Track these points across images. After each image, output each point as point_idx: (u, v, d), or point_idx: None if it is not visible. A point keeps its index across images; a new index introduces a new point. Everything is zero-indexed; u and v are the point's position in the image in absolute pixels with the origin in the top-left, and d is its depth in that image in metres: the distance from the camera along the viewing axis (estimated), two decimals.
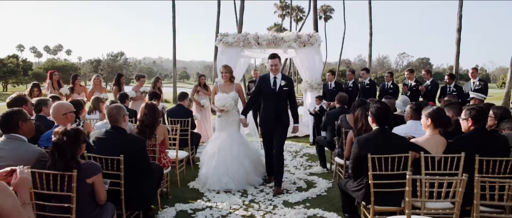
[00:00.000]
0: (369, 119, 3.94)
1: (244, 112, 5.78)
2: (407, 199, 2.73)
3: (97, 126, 5.25)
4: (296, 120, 5.85)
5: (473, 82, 8.82)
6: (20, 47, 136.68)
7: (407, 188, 2.70)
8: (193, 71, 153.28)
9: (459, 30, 25.23)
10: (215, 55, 27.86)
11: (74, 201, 2.90)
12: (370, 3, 32.76)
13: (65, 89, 9.19)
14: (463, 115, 3.77)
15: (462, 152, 3.54)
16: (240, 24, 27.19)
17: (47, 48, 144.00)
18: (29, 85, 8.73)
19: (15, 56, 67.20)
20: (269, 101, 5.61)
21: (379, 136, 3.80)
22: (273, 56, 5.60)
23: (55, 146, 3.01)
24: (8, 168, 2.26)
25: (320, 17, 55.61)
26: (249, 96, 6.01)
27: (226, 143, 5.80)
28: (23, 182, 2.24)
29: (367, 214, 3.81)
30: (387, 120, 3.85)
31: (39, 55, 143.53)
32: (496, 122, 4.43)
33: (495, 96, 31.67)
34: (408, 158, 3.62)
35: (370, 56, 34.18)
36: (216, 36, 30.50)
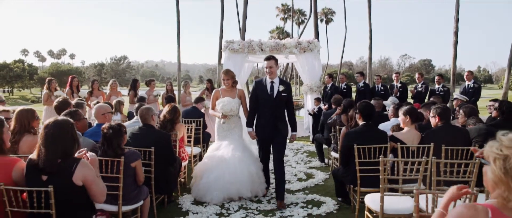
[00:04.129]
0: (357, 115, 4.75)
1: (249, 123, 5.37)
2: (381, 176, 3.52)
3: (126, 125, 6.04)
4: (294, 128, 5.38)
5: (468, 85, 9.62)
6: (25, 52, 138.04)
7: (380, 168, 3.49)
8: (195, 74, 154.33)
9: (456, 33, 25.88)
10: (219, 59, 28.64)
11: (121, 181, 3.69)
12: (369, 6, 33.46)
13: (84, 92, 10.02)
14: (431, 114, 4.58)
15: (431, 143, 4.33)
16: (243, 30, 27.99)
17: (51, 52, 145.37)
18: (45, 85, 9.47)
19: (21, 61, 68.40)
20: (266, 107, 5.17)
21: (364, 130, 4.60)
22: (269, 58, 5.17)
23: (105, 138, 3.83)
24: (82, 150, 3.04)
25: (322, 20, 56.30)
26: (250, 107, 5.45)
27: (228, 149, 5.45)
28: (93, 161, 3.03)
29: (355, 195, 4.60)
30: (371, 116, 4.65)
31: (43, 59, 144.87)
32: (465, 119, 5.21)
33: (496, 96, 32.38)
34: (388, 148, 4.42)
35: (370, 59, 34.71)
36: (220, 40, 30.97)
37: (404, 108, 4.63)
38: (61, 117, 2.94)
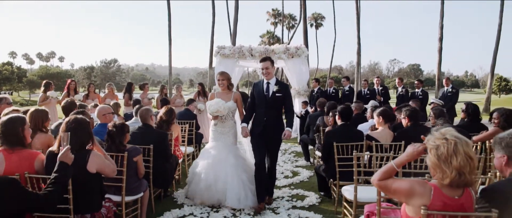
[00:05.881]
0: (336, 117, 5.26)
1: (246, 121, 5.38)
2: (354, 169, 4.03)
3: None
4: (290, 125, 5.21)
5: (446, 89, 10.42)
6: (13, 54, 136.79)
7: (354, 162, 4.00)
8: (186, 77, 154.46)
9: (441, 39, 26.85)
10: (210, 62, 29.16)
11: (124, 173, 4.13)
12: (358, 12, 34.19)
13: (79, 95, 10.37)
14: (402, 115, 5.11)
15: (402, 141, 4.84)
16: (234, 35, 28.50)
17: (39, 55, 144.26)
18: (42, 87, 9.81)
19: (10, 64, 67.86)
20: (260, 108, 5.22)
21: (343, 129, 5.12)
22: (264, 59, 5.22)
23: (109, 135, 4.28)
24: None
25: (311, 25, 57.15)
26: (247, 106, 5.49)
27: (222, 154, 5.41)
28: (95, 141, 3.47)
29: (335, 189, 5.09)
30: (349, 117, 5.17)
31: (31, 62, 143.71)
32: (435, 120, 5.75)
33: (482, 101, 33.37)
34: (363, 145, 4.93)
35: (358, 63, 35.47)
36: (211, 44, 31.24)
37: (377, 110, 5.16)
38: (79, 115, 3.38)
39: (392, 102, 11.42)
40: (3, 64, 63.58)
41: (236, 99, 5.60)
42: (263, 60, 5.22)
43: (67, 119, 3.24)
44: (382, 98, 10.30)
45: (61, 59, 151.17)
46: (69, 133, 3.02)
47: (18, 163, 3.12)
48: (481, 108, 19.19)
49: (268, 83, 5.20)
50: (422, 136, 2.57)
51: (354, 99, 10.88)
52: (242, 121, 5.41)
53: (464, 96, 63.38)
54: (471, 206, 2.32)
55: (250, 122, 5.42)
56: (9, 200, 2.44)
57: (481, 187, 3.05)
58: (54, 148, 3.21)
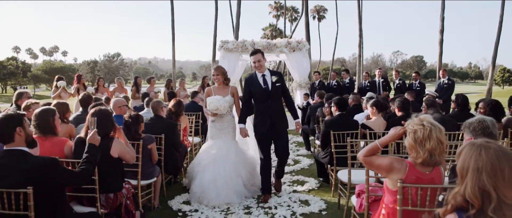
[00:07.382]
0: (333, 107, 5.67)
1: (242, 120, 5.31)
2: (348, 154, 4.45)
3: None
4: (295, 115, 5.41)
5: (443, 81, 10.80)
6: (16, 49, 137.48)
7: (347, 148, 4.42)
8: (188, 71, 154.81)
9: (442, 31, 27.08)
10: (213, 56, 29.50)
11: (140, 159, 4.55)
12: (359, 5, 34.36)
13: (90, 89, 10.81)
14: (394, 105, 5.50)
15: None
16: (236, 29, 28.75)
17: (43, 50, 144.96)
18: (55, 82, 10.19)
19: (14, 58, 68.36)
20: (262, 103, 5.14)
21: (339, 119, 5.53)
22: (255, 52, 5.10)
23: (125, 125, 4.71)
24: None
25: (314, 18, 57.30)
26: (242, 103, 5.37)
27: (222, 152, 5.40)
28: (120, 130, 3.89)
29: (332, 173, 5.51)
30: (345, 107, 5.58)
31: (35, 56, 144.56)
32: (427, 110, 6.14)
33: (484, 92, 33.66)
34: (358, 133, 5.33)
35: (360, 56, 35.78)
36: (214, 38, 31.36)
37: (370, 101, 5.56)
38: (103, 107, 3.81)
39: (392, 94, 11.82)
40: (8, 59, 63.99)
41: (233, 93, 5.58)
42: (254, 53, 5.11)
43: (92, 110, 3.66)
44: (388, 93, 10.70)
45: (64, 53, 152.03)
46: (96, 118, 3.45)
47: (50, 149, 3.56)
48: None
49: (263, 75, 5.11)
50: (402, 121, 2.97)
51: (355, 91, 11.28)
52: (239, 121, 5.35)
53: (467, 88, 63.37)
54: (440, 180, 2.72)
55: (249, 120, 5.39)
56: (54, 176, 2.86)
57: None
58: (82, 134, 3.64)
